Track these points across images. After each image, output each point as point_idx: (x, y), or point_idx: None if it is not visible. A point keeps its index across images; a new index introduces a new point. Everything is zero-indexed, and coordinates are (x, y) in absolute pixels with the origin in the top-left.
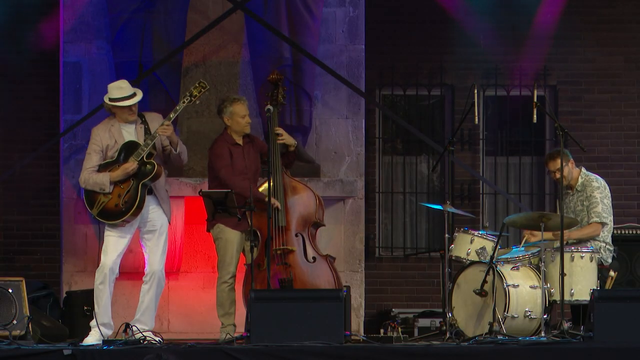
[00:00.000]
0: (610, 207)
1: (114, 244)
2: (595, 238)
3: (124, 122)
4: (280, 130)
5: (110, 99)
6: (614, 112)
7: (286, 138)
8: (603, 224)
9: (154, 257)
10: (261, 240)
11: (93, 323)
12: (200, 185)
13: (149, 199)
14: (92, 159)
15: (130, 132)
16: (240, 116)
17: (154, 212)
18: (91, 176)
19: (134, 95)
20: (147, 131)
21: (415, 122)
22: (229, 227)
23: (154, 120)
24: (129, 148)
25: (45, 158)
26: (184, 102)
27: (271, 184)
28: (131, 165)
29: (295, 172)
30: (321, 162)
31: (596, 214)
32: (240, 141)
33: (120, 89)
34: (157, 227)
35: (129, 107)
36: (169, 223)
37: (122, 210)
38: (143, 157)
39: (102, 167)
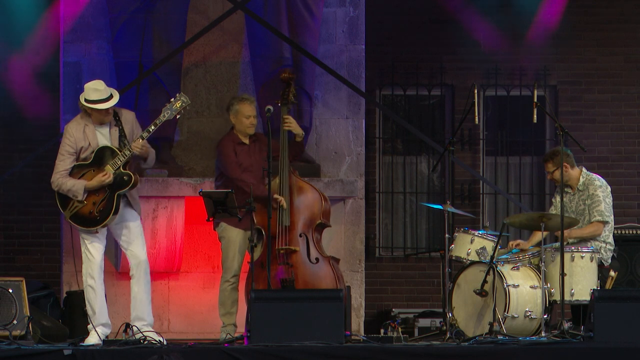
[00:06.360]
0: (611, 207)
1: (94, 248)
2: (596, 237)
3: (98, 124)
4: (289, 118)
5: (87, 100)
6: (614, 112)
7: (293, 126)
8: (605, 223)
9: (136, 246)
10: (265, 239)
11: (90, 327)
12: (200, 185)
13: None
14: (66, 161)
15: (104, 135)
16: (244, 116)
17: (125, 213)
18: (65, 181)
19: (110, 97)
20: (121, 133)
21: (415, 122)
22: (232, 225)
23: (128, 121)
24: (104, 153)
25: (45, 158)
26: (164, 116)
27: (276, 181)
28: (107, 177)
29: None
30: (321, 162)
31: (599, 212)
32: (246, 140)
33: (96, 91)
34: (131, 224)
35: (105, 109)
36: (140, 218)
37: (97, 219)
38: (120, 167)
39: (76, 169)
